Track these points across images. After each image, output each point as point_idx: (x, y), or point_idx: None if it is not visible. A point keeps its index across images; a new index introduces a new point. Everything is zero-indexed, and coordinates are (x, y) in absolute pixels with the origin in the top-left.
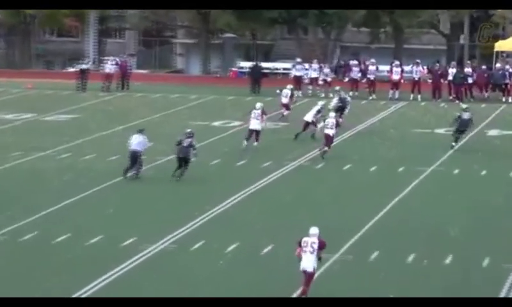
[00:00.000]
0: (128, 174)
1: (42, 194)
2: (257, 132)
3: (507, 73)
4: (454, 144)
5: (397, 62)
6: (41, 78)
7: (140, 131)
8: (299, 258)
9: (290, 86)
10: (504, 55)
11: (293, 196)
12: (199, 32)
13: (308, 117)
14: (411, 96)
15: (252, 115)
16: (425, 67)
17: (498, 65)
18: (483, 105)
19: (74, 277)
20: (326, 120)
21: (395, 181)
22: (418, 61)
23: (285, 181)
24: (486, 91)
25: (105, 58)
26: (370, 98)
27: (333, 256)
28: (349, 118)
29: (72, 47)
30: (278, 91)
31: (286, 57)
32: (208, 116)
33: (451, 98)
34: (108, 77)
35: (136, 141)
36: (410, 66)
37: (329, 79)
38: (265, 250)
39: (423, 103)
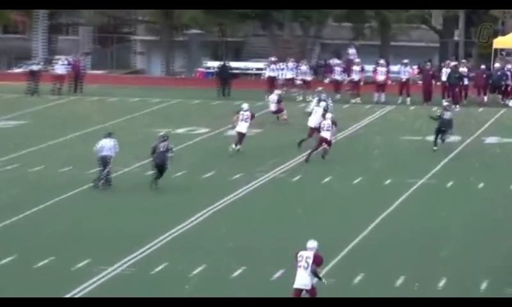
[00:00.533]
0: (100, 183)
1: None
2: (243, 135)
3: (508, 73)
4: (434, 147)
5: (382, 61)
6: None
7: (109, 134)
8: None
9: (277, 91)
10: (504, 53)
11: (266, 213)
12: (161, 29)
13: (313, 122)
14: (399, 99)
15: (240, 117)
16: (415, 67)
17: (497, 65)
18: (480, 110)
19: None
20: (322, 122)
21: (382, 195)
22: (406, 61)
23: (258, 195)
24: (485, 94)
25: (56, 57)
26: (354, 101)
27: (313, 279)
28: None
29: (19, 44)
30: (266, 97)
31: (259, 56)
32: (172, 122)
33: (445, 101)
34: (59, 78)
35: (107, 146)
36: (398, 66)
37: (308, 79)
38: (236, 273)
39: (412, 107)
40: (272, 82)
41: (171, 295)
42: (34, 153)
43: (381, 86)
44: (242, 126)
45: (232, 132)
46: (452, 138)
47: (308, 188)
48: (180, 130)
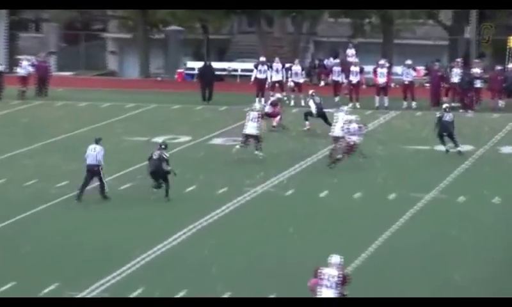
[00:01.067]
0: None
1: None
2: (255, 138)
3: None
4: (446, 148)
5: (382, 62)
6: None
7: (97, 141)
8: (313, 293)
9: (278, 95)
10: None
11: (254, 232)
12: (135, 25)
13: (337, 131)
14: (404, 103)
15: (248, 116)
16: (421, 67)
17: (511, 65)
18: (495, 115)
19: None
20: (346, 126)
21: (385, 211)
22: (409, 62)
23: (245, 212)
24: (500, 98)
25: (19, 57)
26: (351, 105)
27: None
28: (325, 132)
29: None
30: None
31: (246, 56)
32: (149, 130)
33: (453, 105)
34: (23, 81)
35: (91, 153)
36: (402, 67)
37: (300, 81)
38: (221, 298)
39: (419, 113)
40: (261, 86)
41: None
42: None
43: (382, 89)
44: (250, 127)
45: (216, 141)
46: (464, 147)
47: (302, 204)
48: (158, 139)
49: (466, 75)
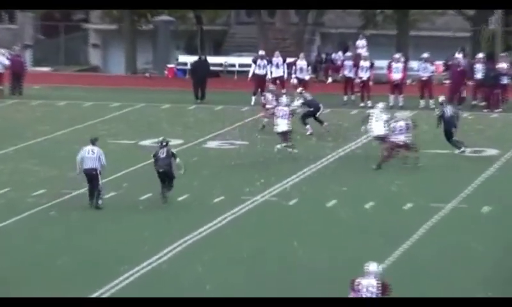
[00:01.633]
0: (100, 202)
1: None
2: (286, 135)
3: None
4: (458, 151)
5: (397, 56)
6: None
7: (93, 141)
8: None
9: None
10: None
11: (254, 246)
12: (121, 15)
13: (379, 130)
14: (421, 102)
15: (277, 113)
16: (440, 62)
17: None
18: None
19: None
20: (392, 124)
21: (400, 223)
22: (426, 55)
23: (244, 224)
24: None
25: None
26: (362, 105)
27: None
28: (333, 134)
29: None
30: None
31: (244, 50)
32: (136, 132)
33: (477, 103)
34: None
35: (88, 156)
36: (418, 62)
37: (307, 77)
38: None
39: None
40: (260, 82)
41: None
42: None
43: (397, 87)
44: (282, 125)
45: (211, 144)
46: (488, 151)
47: (307, 214)
48: (146, 142)
49: (491, 70)
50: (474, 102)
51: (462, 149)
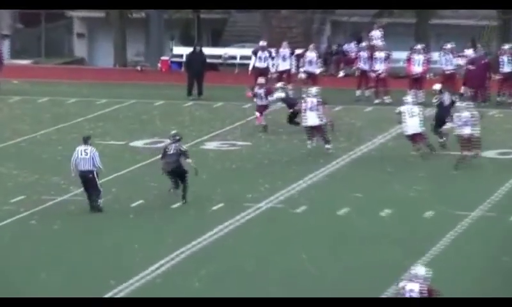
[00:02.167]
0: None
1: None
2: (318, 129)
3: None
4: (440, 140)
5: (419, 47)
6: None
7: (86, 140)
8: None
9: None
10: None
11: (258, 258)
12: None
13: (415, 128)
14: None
15: (305, 105)
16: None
17: None
18: None
19: None
20: (455, 115)
21: (420, 232)
22: (449, 45)
23: (246, 234)
24: None
25: None
26: (378, 101)
27: None
28: (346, 134)
29: None
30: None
31: (246, 40)
32: (126, 132)
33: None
34: None
35: (81, 156)
36: (440, 53)
37: (317, 71)
38: None
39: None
40: (261, 76)
41: None
42: None
43: (417, 81)
44: (311, 118)
45: (209, 145)
46: None
47: (317, 223)
48: (137, 143)
49: None
50: (499, 99)
51: (443, 140)
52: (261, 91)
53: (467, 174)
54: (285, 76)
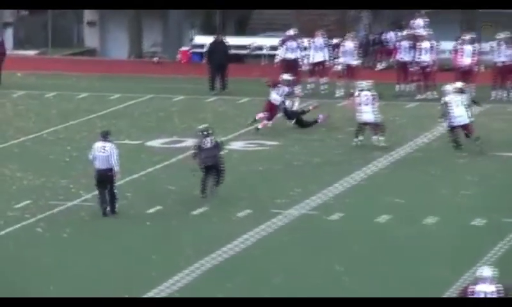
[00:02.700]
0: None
1: None
2: (375, 126)
3: None
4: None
5: (468, 36)
6: None
7: (103, 136)
8: None
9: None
10: None
11: (287, 271)
12: None
13: (463, 118)
14: (493, 93)
15: (359, 99)
16: None
17: None
18: None
19: None
20: None
21: (466, 241)
22: (504, 34)
23: (274, 243)
24: None
25: None
26: (421, 97)
27: None
28: (385, 133)
29: None
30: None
31: (274, 29)
32: (142, 131)
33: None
34: None
35: (100, 155)
36: (491, 43)
37: (354, 63)
38: None
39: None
40: (289, 68)
41: None
42: None
43: (465, 74)
44: (366, 113)
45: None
46: None
47: (354, 232)
48: (153, 143)
49: None
50: None
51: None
52: (284, 89)
53: None
54: (318, 68)
